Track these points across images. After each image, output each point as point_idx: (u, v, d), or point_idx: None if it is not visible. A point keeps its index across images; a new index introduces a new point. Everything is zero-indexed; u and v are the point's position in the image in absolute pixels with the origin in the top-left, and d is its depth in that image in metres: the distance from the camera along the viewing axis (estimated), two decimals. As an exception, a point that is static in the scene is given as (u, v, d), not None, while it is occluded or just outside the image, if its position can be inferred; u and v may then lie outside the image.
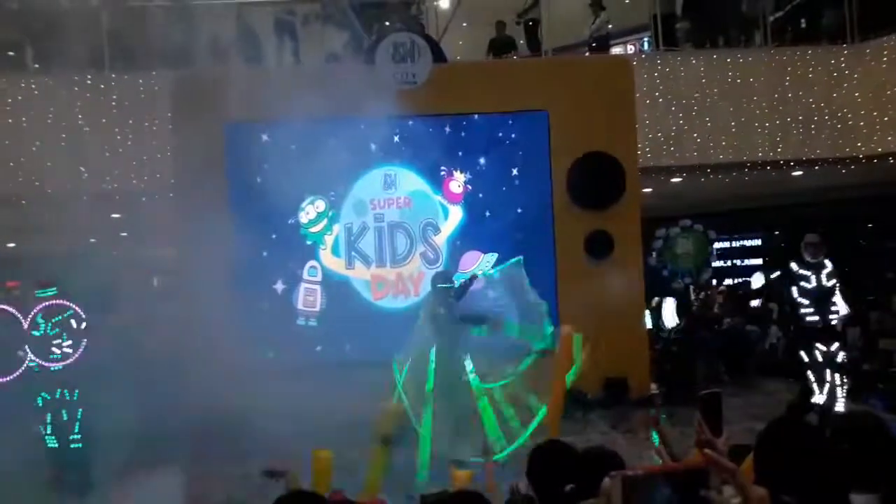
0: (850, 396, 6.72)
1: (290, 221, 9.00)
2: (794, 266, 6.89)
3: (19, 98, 9.80)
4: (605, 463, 2.83)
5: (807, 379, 6.77)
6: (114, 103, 9.72)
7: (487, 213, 9.24)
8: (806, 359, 6.76)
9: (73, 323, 6.29)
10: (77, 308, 6.33)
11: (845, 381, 6.67)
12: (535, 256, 9.18)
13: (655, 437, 3.75)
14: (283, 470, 3.20)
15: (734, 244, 14.93)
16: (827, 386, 6.65)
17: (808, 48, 10.86)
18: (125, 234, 11.57)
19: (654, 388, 9.25)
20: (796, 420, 2.48)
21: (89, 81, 9.79)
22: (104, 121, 9.61)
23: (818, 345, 6.70)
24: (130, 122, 9.63)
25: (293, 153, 8.31)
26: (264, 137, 8.94)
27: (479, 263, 9.24)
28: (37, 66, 10.35)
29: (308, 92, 7.11)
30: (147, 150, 9.53)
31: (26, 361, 6.26)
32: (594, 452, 2.96)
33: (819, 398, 6.66)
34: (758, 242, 15.46)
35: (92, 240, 10.67)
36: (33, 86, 9.86)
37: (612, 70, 9.63)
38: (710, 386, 8.86)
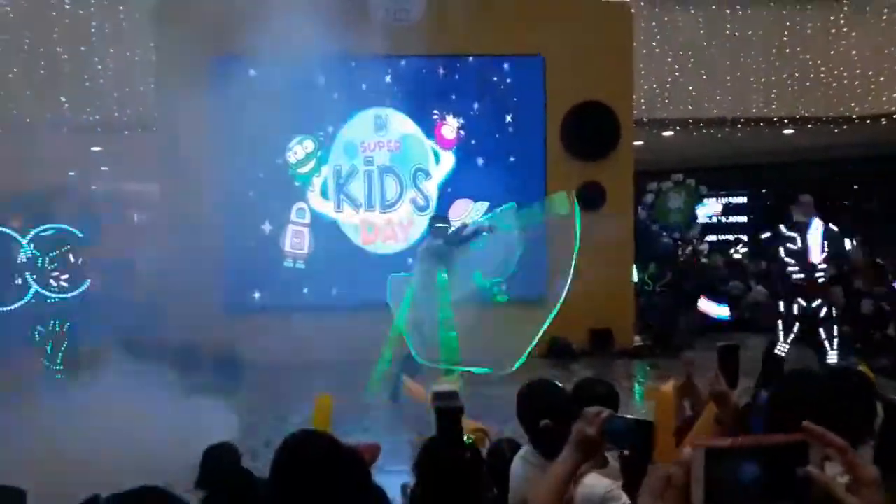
0: (839, 351, 6.93)
1: (277, 161, 8.78)
2: (782, 228, 7.10)
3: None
4: (599, 394, 2.74)
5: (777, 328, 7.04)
6: (93, 31, 9.31)
7: (480, 160, 9.08)
8: (782, 310, 7.02)
9: (71, 258, 6.20)
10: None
11: (833, 335, 6.84)
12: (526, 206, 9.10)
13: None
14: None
15: (720, 200, 14.95)
16: (792, 336, 6.91)
17: (808, 4, 10.66)
18: (106, 168, 11.26)
19: (637, 339, 9.34)
20: (804, 377, 2.46)
21: (67, 6, 9.35)
22: (83, 49, 9.22)
23: (799, 299, 6.92)
24: (111, 51, 9.25)
25: (281, 90, 8.03)
26: (252, 72, 8.63)
27: (470, 212, 9.12)
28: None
29: (298, 26, 6.83)
30: (129, 82, 9.18)
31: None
32: (587, 384, 2.92)
33: (782, 347, 6.92)
34: (744, 200, 15.49)
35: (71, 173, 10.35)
36: (8, 9, 9.39)
37: (611, 15, 9.38)
38: (693, 339, 9.00)
